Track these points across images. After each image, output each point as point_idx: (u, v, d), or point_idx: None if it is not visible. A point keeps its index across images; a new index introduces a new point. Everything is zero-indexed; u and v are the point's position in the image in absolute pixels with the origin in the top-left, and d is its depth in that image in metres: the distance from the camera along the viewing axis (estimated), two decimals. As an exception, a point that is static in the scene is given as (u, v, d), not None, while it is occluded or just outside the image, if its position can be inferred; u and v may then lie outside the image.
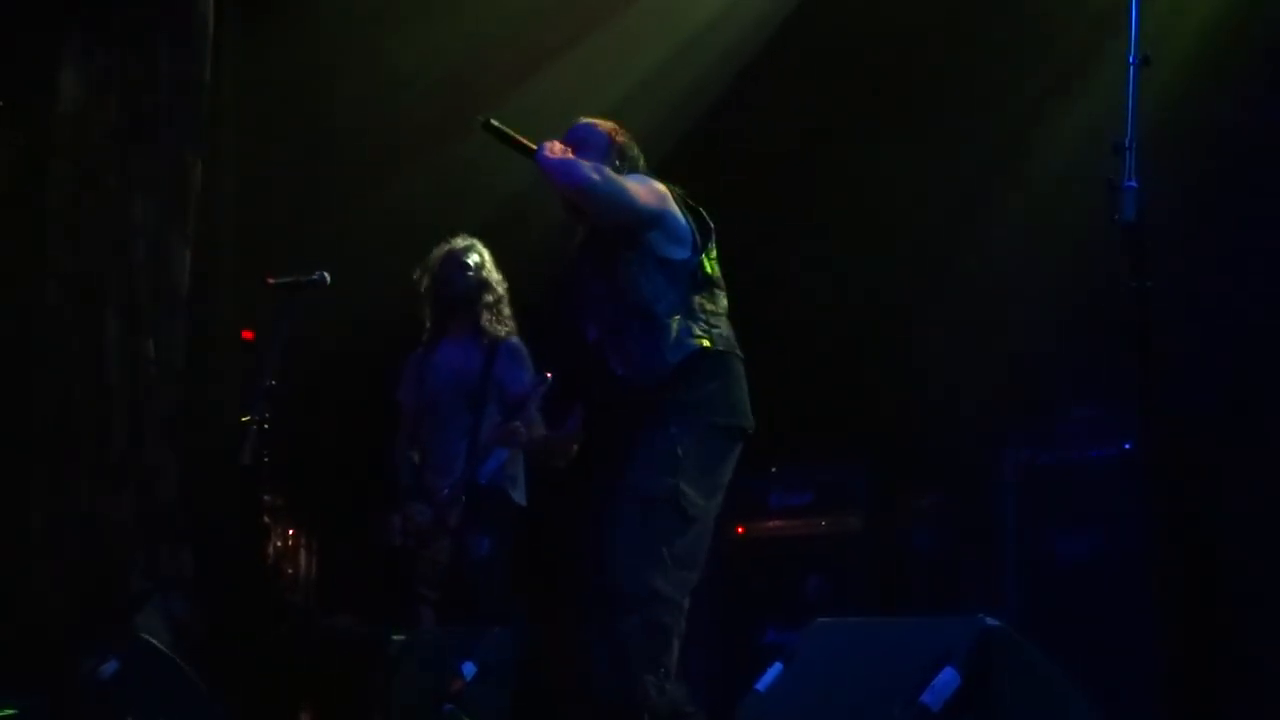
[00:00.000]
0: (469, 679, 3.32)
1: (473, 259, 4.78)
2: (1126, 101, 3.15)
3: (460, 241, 4.84)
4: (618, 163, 3.76)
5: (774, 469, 5.53)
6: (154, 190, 5.24)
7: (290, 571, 6.02)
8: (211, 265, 5.48)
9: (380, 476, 5.00)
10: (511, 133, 3.68)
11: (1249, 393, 4.05)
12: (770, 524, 5.44)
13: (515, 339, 4.81)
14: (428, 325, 4.84)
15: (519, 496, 4.67)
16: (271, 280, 4.22)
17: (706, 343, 3.55)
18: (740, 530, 5.43)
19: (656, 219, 3.60)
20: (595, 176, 3.57)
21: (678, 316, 3.54)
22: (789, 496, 5.43)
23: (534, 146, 3.68)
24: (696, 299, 3.60)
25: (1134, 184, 3.13)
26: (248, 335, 5.47)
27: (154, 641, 4.16)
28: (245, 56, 5.51)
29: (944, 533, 5.18)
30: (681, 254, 3.61)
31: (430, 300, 4.81)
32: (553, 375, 4.47)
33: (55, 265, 5.16)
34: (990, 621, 2.97)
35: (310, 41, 6.26)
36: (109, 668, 3.94)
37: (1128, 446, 4.32)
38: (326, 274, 4.19)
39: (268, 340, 4.41)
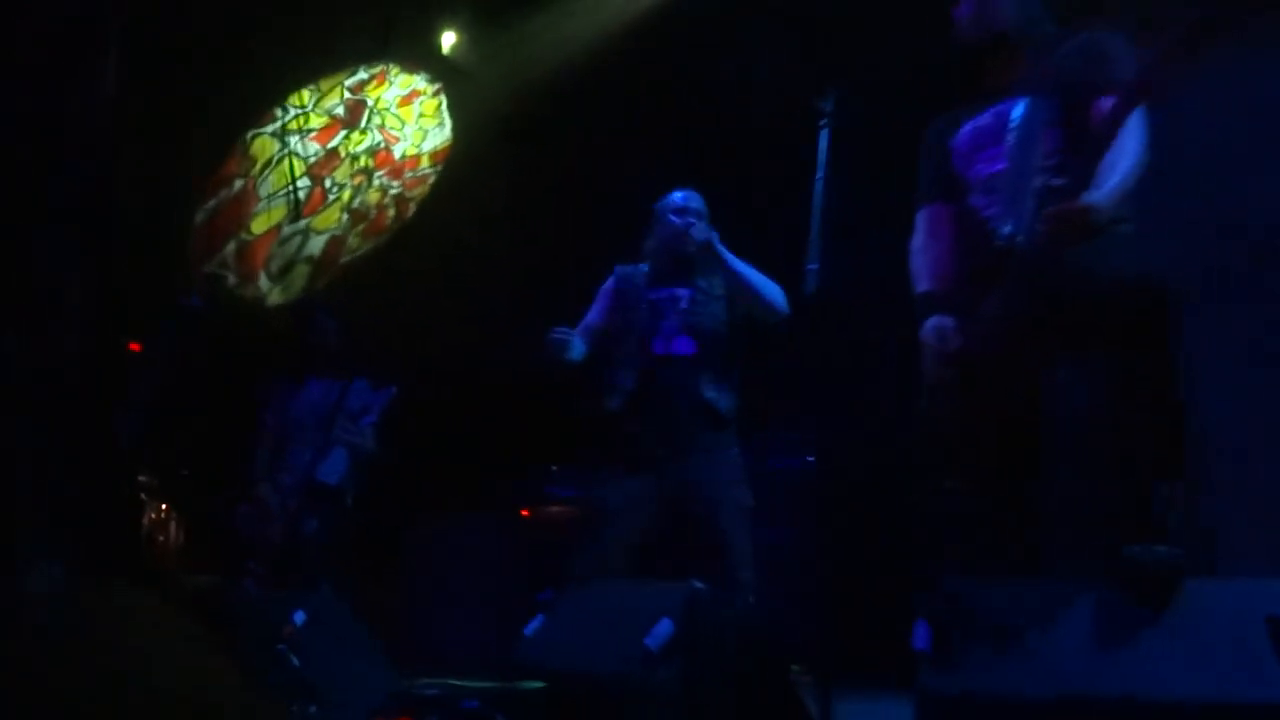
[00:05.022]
0: (299, 625, 3.34)
1: (331, 316, 4.84)
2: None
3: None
4: None
5: (554, 468, 5.68)
6: (57, 216, 5.06)
7: (161, 540, 5.93)
8: (107, 282, 5.33)
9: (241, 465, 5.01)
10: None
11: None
12: (550, 509, 5.60)
13: (364, 379, 4.85)
14: (294, 359, 4.86)
15: (348, 499, 4.72)
16: (155, 300, 4.22)
17: None
18: (525, 513, 5.60)
19: None
20: None
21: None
22: (564, 488, 5.61)
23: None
24: None
25: (815, 266, 3.13)
26: (134, 347, 5.38)
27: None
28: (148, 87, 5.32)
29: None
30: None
31: (299, 341, 4.85)
32: (396, 389, 4.50)
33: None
34: (698, 585, 3.08)
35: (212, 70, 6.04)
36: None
37: (810, 460, 4.57)
38: (198, 298, 4.20)
39: (150, 351, 4.40)
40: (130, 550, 4.67)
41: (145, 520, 5.66)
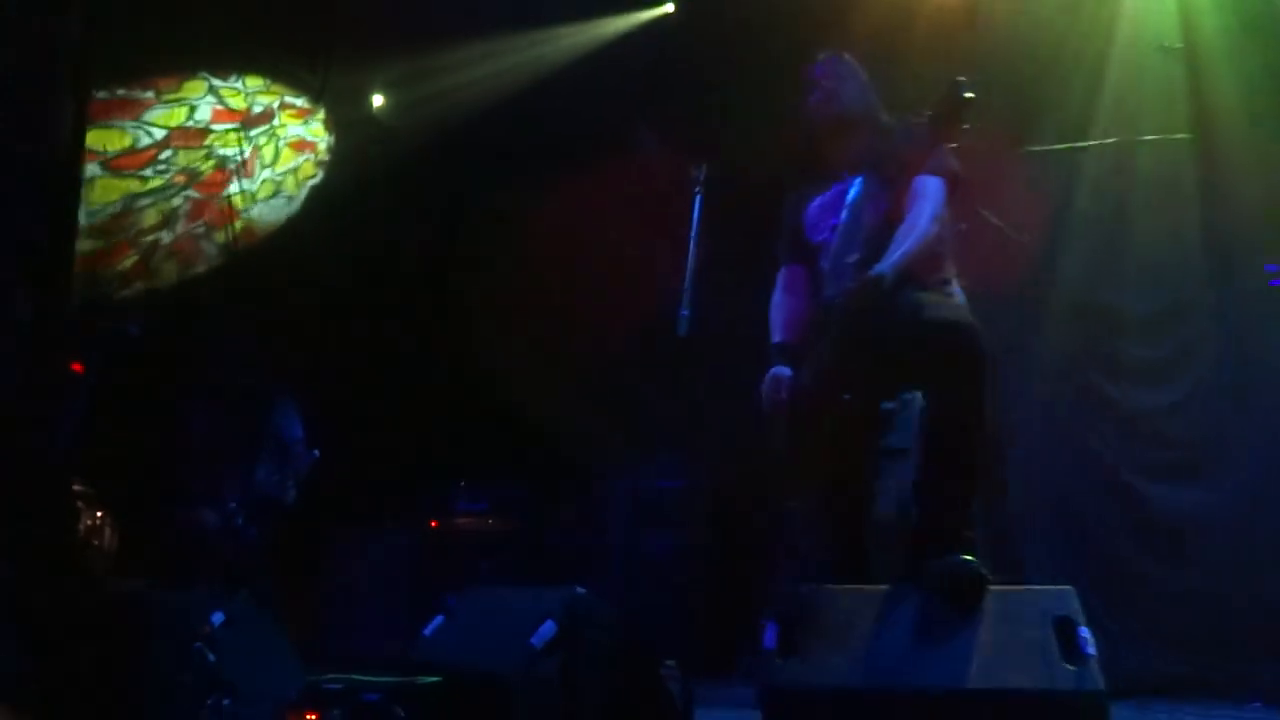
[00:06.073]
0: (217, 625, 3.42)
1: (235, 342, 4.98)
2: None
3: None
4: None
5: (462, 482, 5.81)
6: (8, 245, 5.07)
7: (96, 544, 5.97)
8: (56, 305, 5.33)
9: (180, 478, 5.08)
10: None
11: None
12: (457, 522, 5.71)
13: (287, 396, 4.99)
14: (210, 383, 4.99)
15: (290, 498, 4.84)
16: (90, 327, 4.35)
17: None
18: (434, 525, 5.71)
19: None
20: None
21: None
22: (471, 503, 5.73)
23: None
24: None
25: (687, 312, 3.51)
26: (77, 368, 5.43)
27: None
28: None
29: (575, 532, 5.63)
30: None
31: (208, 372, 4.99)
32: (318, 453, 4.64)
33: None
34: (579, 590, 3.24)
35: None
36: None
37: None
38: (134, 328, 4.36)
39: (88, 371, 4.53)
40: (65, 553, 4.74)
41: (81, 526, 5.70)
